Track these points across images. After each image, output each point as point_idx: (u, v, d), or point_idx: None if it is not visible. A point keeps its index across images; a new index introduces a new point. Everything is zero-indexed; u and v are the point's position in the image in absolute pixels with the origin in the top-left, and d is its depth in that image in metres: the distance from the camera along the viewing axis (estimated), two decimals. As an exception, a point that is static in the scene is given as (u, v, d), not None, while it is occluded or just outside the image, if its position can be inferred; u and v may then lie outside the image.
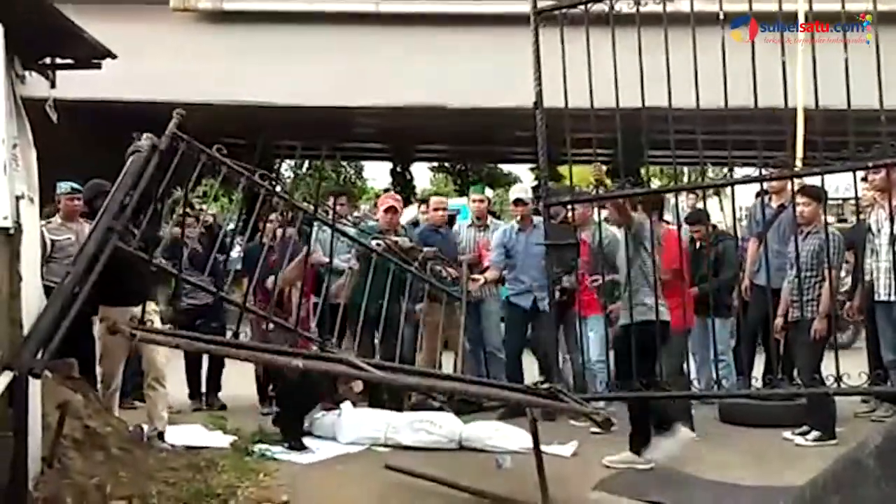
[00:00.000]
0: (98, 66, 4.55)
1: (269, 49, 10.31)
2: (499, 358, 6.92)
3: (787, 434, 5.70)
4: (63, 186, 6.13)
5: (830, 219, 8.98)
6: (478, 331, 6.98)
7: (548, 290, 5.51)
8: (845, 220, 13.49)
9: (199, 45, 10.51)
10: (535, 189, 7.98)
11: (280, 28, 10.63)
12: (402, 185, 22.66)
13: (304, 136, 8.31)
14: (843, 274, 6.76)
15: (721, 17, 4.74)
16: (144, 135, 4.44)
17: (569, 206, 5.52)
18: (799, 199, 5.53)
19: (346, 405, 5.96)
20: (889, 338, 5.78)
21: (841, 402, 5.68)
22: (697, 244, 6.64)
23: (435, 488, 4.46)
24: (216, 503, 4.22)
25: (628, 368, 4.92)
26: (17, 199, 3.68)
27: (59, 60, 4.43)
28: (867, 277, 5.99)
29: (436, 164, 27.65)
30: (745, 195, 10.08)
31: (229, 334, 5.80)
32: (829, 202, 10.27)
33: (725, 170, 5.26)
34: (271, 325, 5.12)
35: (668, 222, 6.61)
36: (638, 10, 4.71)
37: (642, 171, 5.35)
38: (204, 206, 7.45)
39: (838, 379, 4.58)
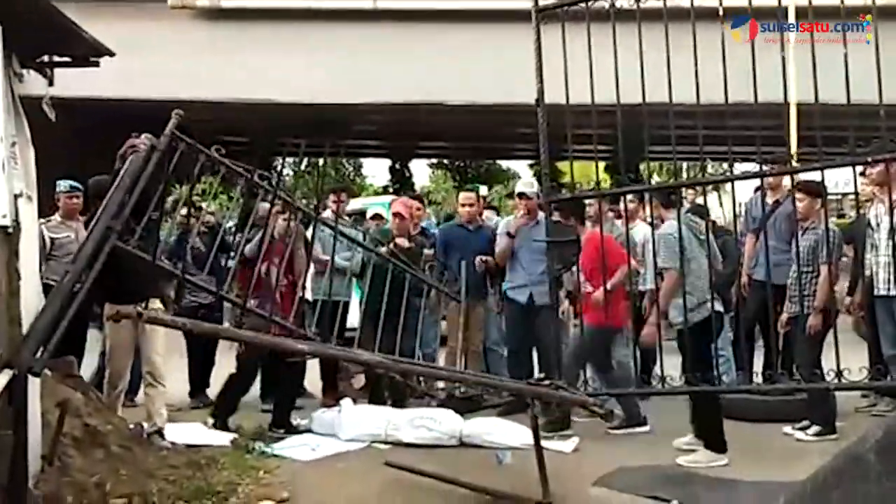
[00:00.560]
0: (96, 64, 4.53)
1: (267, 46, 10.31)
2: (499, 354, 6.92)
3: (788, 429, 5.70)
4: (62, 184, 6.13)
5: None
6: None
7: (549, 285, 5.50)
8: (844, 216, 13.49)
9: (196, 42, 10.52)
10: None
11: (277, 25, 10.63)
12: (401, 181, 22.62)
13: (303, 133, 8.29)
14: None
15: (721, 13, 4.74)
16: (143, 135, 4.44)
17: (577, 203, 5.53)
18: (796, 195, 5.52)
19: (347, 402, 5.96)
20: (889, 332, 5.78)
21: (841, 396, 5.68)
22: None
23: (435, 485, 4.46)
24: (216, 501, 4.22)
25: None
26: (16, 197, 3.68)
27: (56, 58, 4.40)
28: (867, 272, 5.99)
29: (434, 160, 27.61)
30: (742, 191, 10.07)
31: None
32: (829, 197, 10.25)
33: (725, 165, 5.25)
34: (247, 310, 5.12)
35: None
36: (638, 6, 4.72)
37: (641, 167, 5.35)
38: (204, 205, 7.44)
39: (839, 374, 4.58)
